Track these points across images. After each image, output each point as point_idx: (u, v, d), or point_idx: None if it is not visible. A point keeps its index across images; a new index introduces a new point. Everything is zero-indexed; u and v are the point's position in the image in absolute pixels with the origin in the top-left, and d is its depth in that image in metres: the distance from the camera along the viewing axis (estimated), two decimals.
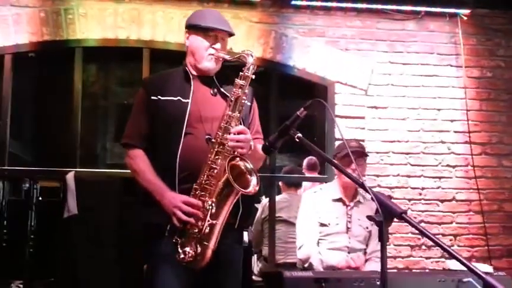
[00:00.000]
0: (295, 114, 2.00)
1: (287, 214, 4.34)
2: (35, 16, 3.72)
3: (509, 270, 3.67)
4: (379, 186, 3.93)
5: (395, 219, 1.61)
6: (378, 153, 3.95)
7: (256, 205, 4.95)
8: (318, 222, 3.00)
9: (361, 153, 3.04)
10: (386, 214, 1.53)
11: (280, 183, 4.47)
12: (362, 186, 1.66)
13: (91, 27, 3.78)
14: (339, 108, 3.95)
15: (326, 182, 3.63)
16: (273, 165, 4.14)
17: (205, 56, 2.27)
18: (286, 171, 4.66)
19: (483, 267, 2.74)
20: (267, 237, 4.22)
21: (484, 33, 4.20)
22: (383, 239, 1.56)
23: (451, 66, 4.15)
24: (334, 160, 2.58)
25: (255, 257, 4.40)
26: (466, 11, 4.11)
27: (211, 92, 2.30)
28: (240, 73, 2.22)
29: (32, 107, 4.58)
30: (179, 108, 2.22)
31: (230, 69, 2.37)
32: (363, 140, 3.78)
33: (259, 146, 2.24)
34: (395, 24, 4.12)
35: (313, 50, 4.00)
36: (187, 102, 2.22)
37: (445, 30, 4.16)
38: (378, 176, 3.96)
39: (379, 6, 4.06)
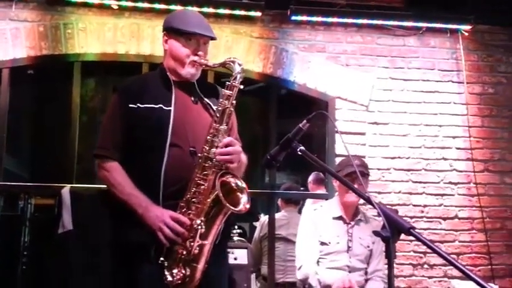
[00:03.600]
0: (297, 126, 1.95)
1: (286, 231, 4.29)
2: (34, 30, 3.70)
3: None
4: (380, 203, 3.87)
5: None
6: (379, 169, 3.90)
7: (254, 223, 4.90)
8: (318, 241, 2.93)
9: (362, 173, 2.97)
10: (393, 229, 1.47)
11: (279, 200, 4.41)
12: (368, 200, 1.60)
13: (90, 41, 3.76)
14: (340, 124, 3.91)
15: (327, 199, 3.56)
16: (273, 182, 4.08)
17: (188, 62, 2.14)
18: (285, 188, 4.61)
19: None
20: (266, 256, 4.15)
21: (485, 49, 4.20)
22: (390, 255, 1.50)
23: (453, 82, 4.13)
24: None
25: (253, 276, 4.31)
26: (467, 27, 4.10)
27: (192, 99, 2.16)
28: (227, 83, 2.10)
29: (29, 121, 4.54)
30: (161, 116, 2.05)
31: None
32: (364, 156, 3.74)
33: (243, 156, 2.16)
34: (396, 40, 4.11)
35: (314, 66, 3.98)
36: (170, 110, 2.07)
37: (446, 46, 4.15)
38: (379, 193, 3.90)
39: (380, 22, 4.05)
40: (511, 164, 4.08)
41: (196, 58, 2.14)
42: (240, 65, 2.12)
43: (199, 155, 2.02)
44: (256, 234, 4.48)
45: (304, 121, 1.96)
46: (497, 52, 4.19)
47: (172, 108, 2.08)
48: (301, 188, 4.82)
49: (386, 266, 1.47)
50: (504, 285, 3.88)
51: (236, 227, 4.96)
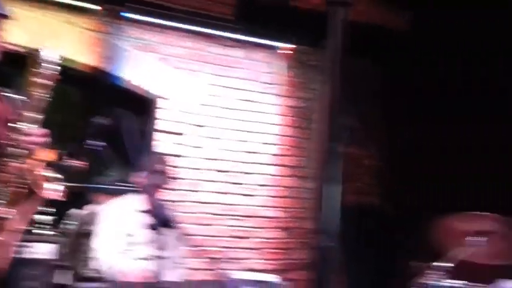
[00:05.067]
0: (98, 123, 2.06)
1: (95, 226, 4.30)
2: None
3: (304, 281, 4.13)
4: (192, 201, 4.13)
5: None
6: (193, 169, 4.15)
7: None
8: (121, 233, 3.05)
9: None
10: (159, 221, 1.69)
11: (92, 194, 4.42)
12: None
13: None
14: (161, 123, 4.09)
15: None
16: (87, 176, 4.09)
17: None
18: (99, 182, 4.62)
19: (268, 277, 3.05)
20: (76, 250, 4.15)
21: (300, 67, 4.67)
22: (159, 244, 1.71)
23: (271, 94, 4.55)
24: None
25: (59, 270, 4.28)
26: (287, 46, 4.55)
27: None
28: (33, 70, 2.00)
29: None
30: None
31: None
32: (179, 156, 3.95)
33: None
34: (224, 50, 4.39)
35: (143, 64, 4.10)
36: None
37: (268, 61, 4.55)
38: (192, 191, 4.15)
39: (210, 31, 4.30)
40: (312, 171, 4.62)
41: None
42: (50, 53, 2.02)
43: (2, 141, 1.96)
44: (70, 227, 4.43)
45: (106, 119, 2.08)
46: (310, 71, 4.70)
47: None
48: (122, 184, 4.86)
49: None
50: (298, 277, 4.39)
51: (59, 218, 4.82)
